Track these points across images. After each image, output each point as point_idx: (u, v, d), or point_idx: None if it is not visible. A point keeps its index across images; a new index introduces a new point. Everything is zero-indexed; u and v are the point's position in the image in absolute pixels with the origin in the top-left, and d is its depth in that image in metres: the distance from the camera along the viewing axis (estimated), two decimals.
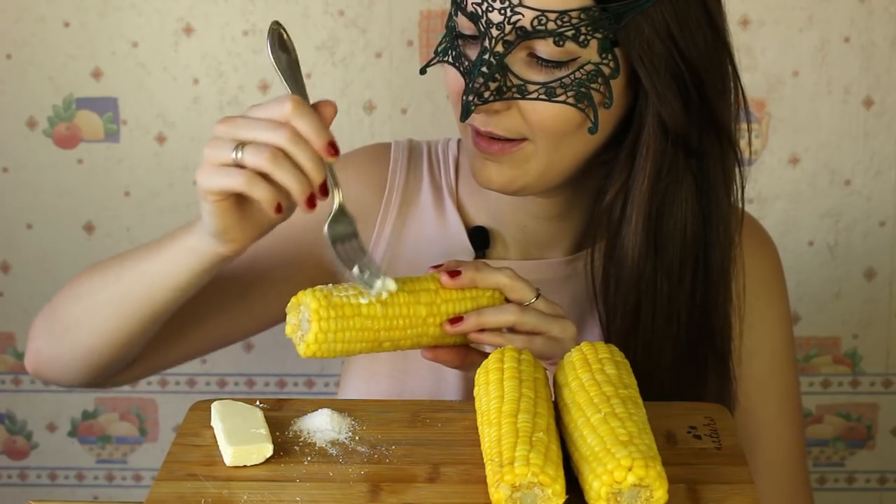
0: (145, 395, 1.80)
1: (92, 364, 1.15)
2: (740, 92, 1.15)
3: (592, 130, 1.09)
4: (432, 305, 1.04)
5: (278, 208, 0.99)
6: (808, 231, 1.71)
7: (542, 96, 1.07)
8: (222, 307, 1.22)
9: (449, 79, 1.13)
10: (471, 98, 1.07)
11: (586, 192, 1.20)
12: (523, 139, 1.11)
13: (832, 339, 1.76)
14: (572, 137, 1.11)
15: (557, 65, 1.07)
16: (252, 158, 0.97)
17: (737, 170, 1.17)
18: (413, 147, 1.28)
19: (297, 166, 0.97)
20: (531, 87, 1.08)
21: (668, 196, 1.13)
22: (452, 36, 1.12)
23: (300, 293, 1.02)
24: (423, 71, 1.18)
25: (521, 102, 1.09)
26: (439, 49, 1.14)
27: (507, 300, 1.07)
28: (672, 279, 1.14)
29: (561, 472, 0.87)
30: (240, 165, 0.98)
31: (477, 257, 1.22)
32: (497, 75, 1.07)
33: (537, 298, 1.07)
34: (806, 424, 1.78)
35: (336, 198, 1.01)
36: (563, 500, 0.86)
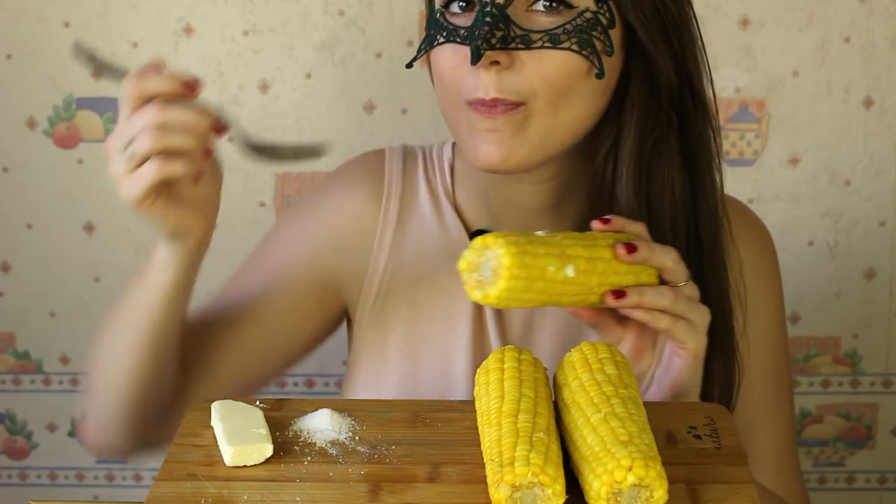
0: None
1: (131, 414, 1.16)
2: (706, 62, 1.19)
3: (600, 76, 1.11)
4: (604, 275, 1.04)
5: (197, 174, 1.04)
6: (808, 231, 1.71)
7: (547, 44, 1.10)
8: (235, 341, 1.24)
9: (441, 59, 1.13)
10: (479, 43, 1.08)
11: (582, 175, 1.20)
12: (523, 103, 1.11)
13: (832, 339, 1.76)
14: (574, 94, 1.12)
15: (557, 11, 1.10)
16: (143, 145, 1.01)
17: (718, 152, 1.20)
18: (407, 153, 1.28)
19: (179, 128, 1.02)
20: (535, 37, 1.10)
21: (657, 151, 1.16)
22: (436, 20, 1.14)
23: (490, 237, 1.01)
24: (409, 65, 1.18)
25: (525, 57, 1.10)
26: (423, 46, 1.15)
27: (661, 280, 1.08)
28: (665, 239, 1.15)
29: (561, 472, 0.87)
30: (139, 163, 1.02)
31: None
32: (501, 24, 1.09)
33: (686, 283, 1.08)
34: (806, 424, 1.78)
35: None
36: (563, 500, 0.86)
